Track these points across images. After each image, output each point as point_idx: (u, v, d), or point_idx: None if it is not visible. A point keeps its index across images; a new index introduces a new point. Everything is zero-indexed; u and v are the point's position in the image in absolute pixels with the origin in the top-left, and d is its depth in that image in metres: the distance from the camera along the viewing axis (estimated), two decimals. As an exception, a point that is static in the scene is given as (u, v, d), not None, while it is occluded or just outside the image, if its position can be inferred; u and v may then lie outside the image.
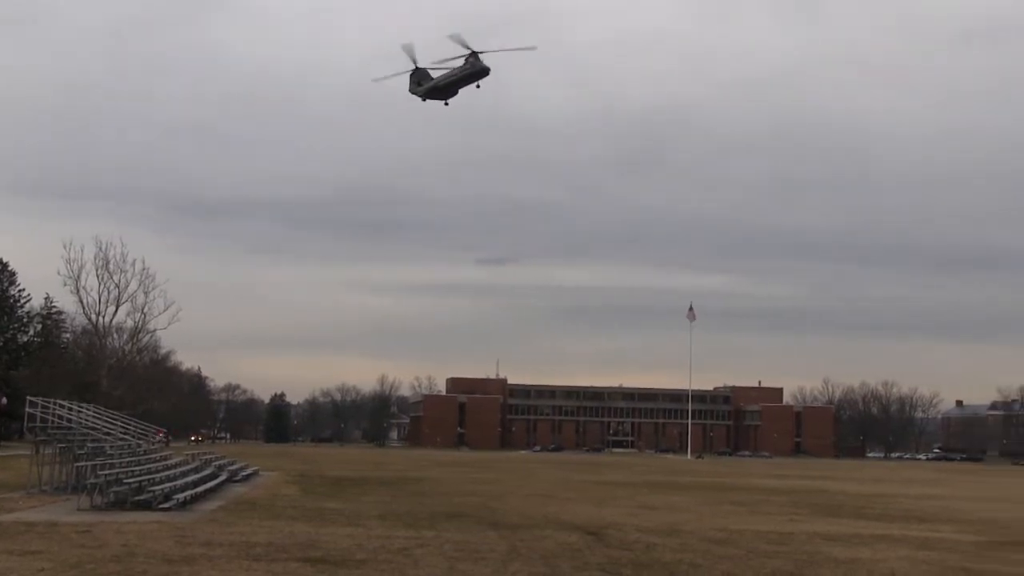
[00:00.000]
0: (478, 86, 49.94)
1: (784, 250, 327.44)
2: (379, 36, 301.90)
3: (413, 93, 51.83)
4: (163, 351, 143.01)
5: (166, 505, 35.83)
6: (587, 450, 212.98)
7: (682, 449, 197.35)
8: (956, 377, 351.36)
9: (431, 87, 51.02)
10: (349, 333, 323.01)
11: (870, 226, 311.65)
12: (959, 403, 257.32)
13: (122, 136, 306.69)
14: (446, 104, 51.73)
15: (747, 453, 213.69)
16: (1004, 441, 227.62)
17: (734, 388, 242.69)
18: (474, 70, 49.13)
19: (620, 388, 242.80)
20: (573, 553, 27.84)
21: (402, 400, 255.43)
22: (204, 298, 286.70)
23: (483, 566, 24.50)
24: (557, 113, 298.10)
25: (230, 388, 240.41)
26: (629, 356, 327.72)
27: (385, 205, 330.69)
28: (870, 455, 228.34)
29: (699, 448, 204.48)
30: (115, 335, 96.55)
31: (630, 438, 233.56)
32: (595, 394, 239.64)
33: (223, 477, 53.31)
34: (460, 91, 51.15)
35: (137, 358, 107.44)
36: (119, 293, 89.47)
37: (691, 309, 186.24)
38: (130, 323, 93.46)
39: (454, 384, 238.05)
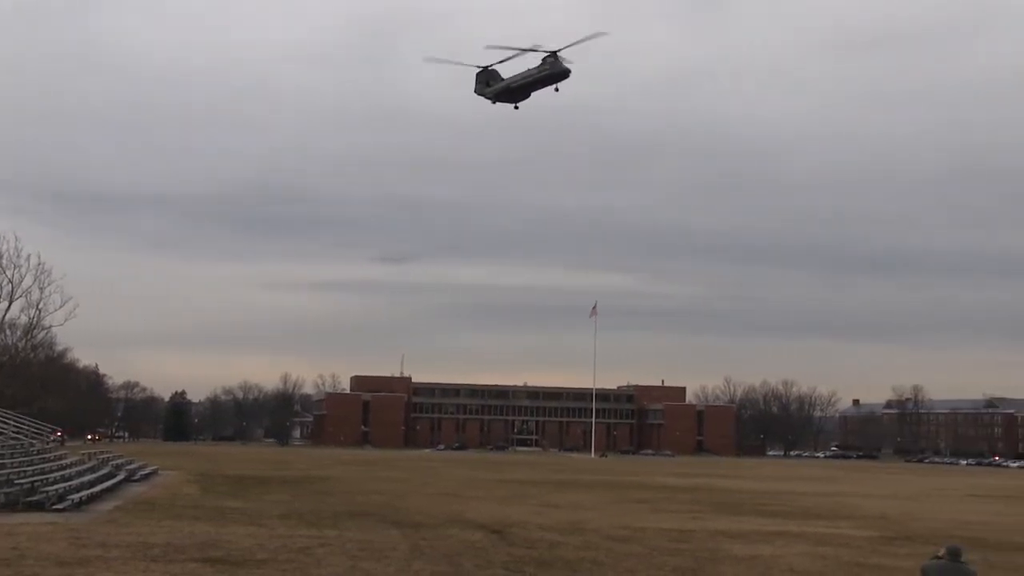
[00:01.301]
0: (557, 89, 45.72)
1: (688, 250, 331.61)
2: (277, 33, 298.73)
3: (480, 95, 47.71)
4: (59, 348, 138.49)
5: (60, 506, 34.91)
6: (491, 449, 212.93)
7: (586, 448, 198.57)
8: (853, 377, 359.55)
9: (503, 88, 46.97)
10: (252, 330, 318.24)
11: (772, 227, 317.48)
12: (856, 402, 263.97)
13: (17, 130, 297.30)
14: (516, 108, 47.55)
15: (650, 452, 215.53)
16: (898, 439, 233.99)
17: (637, 387, 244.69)
18: (553, 71, 45.05)
19: (524, 387, 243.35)
20: (476, 551, 27.82)
21: (305, 398, 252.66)
22: (102, 294, 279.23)
23: (386, 565, 24.34)
24: (459, 112, 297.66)
25: (129, 386, 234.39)
26: (534, 355, 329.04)
27: (288, 203, 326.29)
28: (770, 453, 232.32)
29: (603, 447, 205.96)
30: (8, 332, 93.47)
31: (534, 437, 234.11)
32: (499, 393, 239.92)
33: (121, 477, 52.18)
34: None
35: (31, 355, 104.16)
36: (12, 288, 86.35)
37: (595, 308, 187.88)
38: (24, 319, 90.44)
39: (358, 382, 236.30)
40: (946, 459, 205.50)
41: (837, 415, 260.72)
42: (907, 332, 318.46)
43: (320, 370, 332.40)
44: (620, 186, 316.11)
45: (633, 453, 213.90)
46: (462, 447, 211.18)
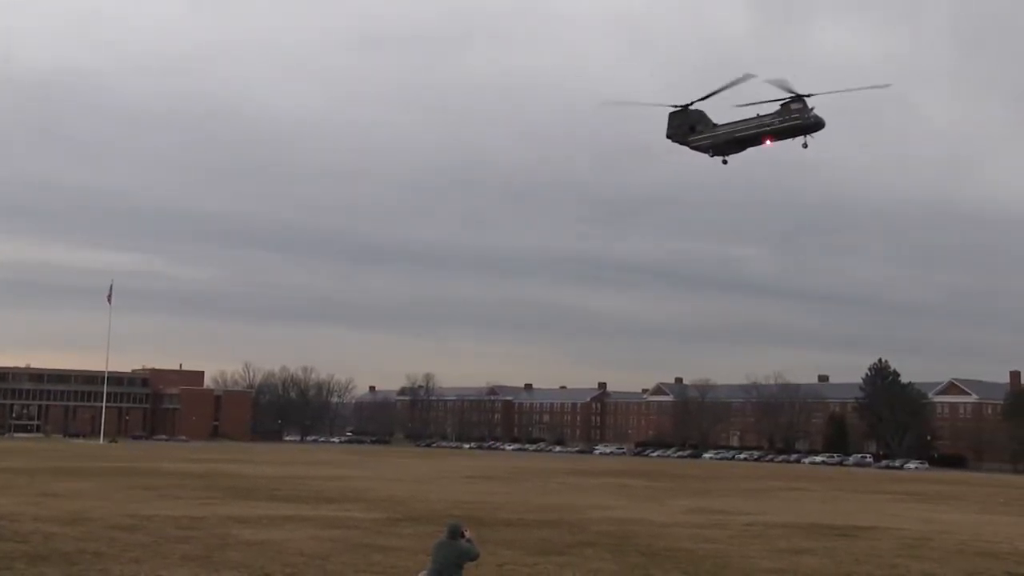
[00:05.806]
0: (805, 145, 36.73)
1: (203, 234, 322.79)
2: None
3: (681, 143, 37.76)
4: None
5: None
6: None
7: (95, 433, 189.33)
8: (370, 364, 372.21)
9: (727, 138, 37.35)
10: None
11: (286, 216, 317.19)
12: (372, 389, 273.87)
13: None
14: (725, 162, 38.04)
15: (164, 437, 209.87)
16: (409, 424, 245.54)
17: (153, 371, 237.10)
18: (805, 123, 35.95)
19: (28, 368, 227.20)
20: (-42, 548, 25.45)
21: None
22: None
23: None
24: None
25: None
26: (41, 335, 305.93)
27: None
28: (287, 438, 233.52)
29: (113, 432, 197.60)
30: None
31: (36, 422, 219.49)
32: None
33: None
34: None
35: None
36: None
37: (111, 289, 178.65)
38: None
39: None
40: (452, 443, 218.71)
41: (353, 401, 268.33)
42: (421, 323, 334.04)
43: None
44: (125, 160, 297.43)
45: (146, 439, 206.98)
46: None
